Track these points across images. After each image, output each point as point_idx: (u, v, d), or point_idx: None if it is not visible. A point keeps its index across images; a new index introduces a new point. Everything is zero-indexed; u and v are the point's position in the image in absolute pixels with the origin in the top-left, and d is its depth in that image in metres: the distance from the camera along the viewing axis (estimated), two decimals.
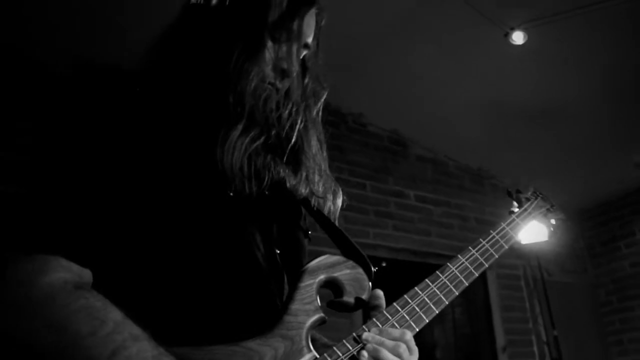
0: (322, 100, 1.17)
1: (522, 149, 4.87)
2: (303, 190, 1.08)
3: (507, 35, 3.56)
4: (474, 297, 4.93)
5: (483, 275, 4.90)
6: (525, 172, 5.16)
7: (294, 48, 1.06)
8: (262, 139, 1.00)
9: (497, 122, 4.56)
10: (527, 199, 1.42)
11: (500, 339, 4.77)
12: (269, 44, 1.04)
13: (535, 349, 4.96)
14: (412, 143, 4.91)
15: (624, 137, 4.84)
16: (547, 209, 1.43)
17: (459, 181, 5.11)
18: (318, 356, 0.89)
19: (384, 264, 4.36)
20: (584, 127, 4.61)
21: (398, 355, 0.92)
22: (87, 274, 0.80)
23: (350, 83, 3.85)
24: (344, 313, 1.01)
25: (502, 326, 4.82)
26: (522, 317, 5.01)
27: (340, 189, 1.19)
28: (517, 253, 5.06)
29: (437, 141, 4.90)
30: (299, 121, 1.07)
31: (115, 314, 0.75)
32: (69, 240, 0.79)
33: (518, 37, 3.55)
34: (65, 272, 0.77)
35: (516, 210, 1.38)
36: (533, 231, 4.48)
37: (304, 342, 0.88)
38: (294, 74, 1.07)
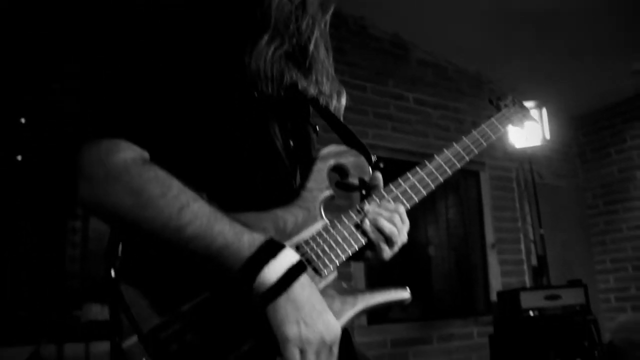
0: (330, 12, 1.31)
1: (520, 54, 4.91)
2: (312, 91, 1.24)
3: None
4: (467, 197, 5.16)
5: (477, 176, 5.12)
6: (523, 77, 5.23)
7: None
8: (284, 47, 1.15)
9: (497, 27, 4.57)
10: (506, 105, 1.55)
11: (490, 236, 5.06)
12: None
13: (522, 246, 5.27)
14: (413, 47, 4.94)
15: (624, 44, 4.86)
16: (523, 115, 1.57)
17: (457, 85, 5.19)
18: (329, 223, 1.09)
19: (381, 165, 4.53)
20: (584, 33, 4.63)
21: (393, 223, 1.13)
22: (147, 154, 0.97)
23: None
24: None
25: (492, 224, 5.09)
26: (512, 216, 5.28)
27: (344, 90, 1.36)
28: (511, 156, 5.24)
29: (438, 45, 4.93)
30: (315, 32, 1.23)
31: (177, 182, 0.94)
32: (130, 128, 0.97)
33: None
34: (133, 151, 0.95)
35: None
36: (527, 135, 4.61)
37: (317, 212, 1.10)
38: None
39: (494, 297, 4.73)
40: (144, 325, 0.91)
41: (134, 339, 0.90)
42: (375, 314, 4.26)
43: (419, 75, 4.93)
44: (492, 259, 5.01)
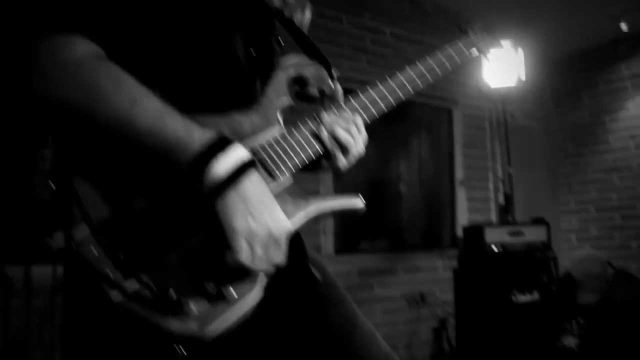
0: None
1: None
2: (277, 3, 1.23)
3: None
4: (439, 134, 5.21)
5: (449, 114, 5.15)
6: (500, 16, 5.17)
7: None
8: None
9: None
10: (474, 32, 1.54)
11: (460, 173, 5.14)
12: None
13: (490, 184, 5.38)
14: None
15: None
16: (490, 41, 1.55)
17: (434, 21, 5.12)
18: (285, 130, 1.11)
19: (355, 104, 4.51)
20: None
21: (349, 132, 1.15)
22: (102, 51, 0.96)
23: None
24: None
25: (462, 162, 5.17)
26: (482, 154, 5.36)
27: (309, 3, 1.34)
28: (485, 96, 5.26)
29: None
30: None
31: (130, 78, 0.93)
32: (86, 24, 0.95)
33: None
34: (88, 47, 0.94)
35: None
36: (502, 76, 4.58)
37: (275, 118, 1.11)
38: None
39: (460, 232, 4.85)
40: (95, 216, 0.92)
41: (84, 230, 0.91)
42: (343, 244, 4.35)
43: (395, 9, 4.86)
44: (461, 196, 5.12)
